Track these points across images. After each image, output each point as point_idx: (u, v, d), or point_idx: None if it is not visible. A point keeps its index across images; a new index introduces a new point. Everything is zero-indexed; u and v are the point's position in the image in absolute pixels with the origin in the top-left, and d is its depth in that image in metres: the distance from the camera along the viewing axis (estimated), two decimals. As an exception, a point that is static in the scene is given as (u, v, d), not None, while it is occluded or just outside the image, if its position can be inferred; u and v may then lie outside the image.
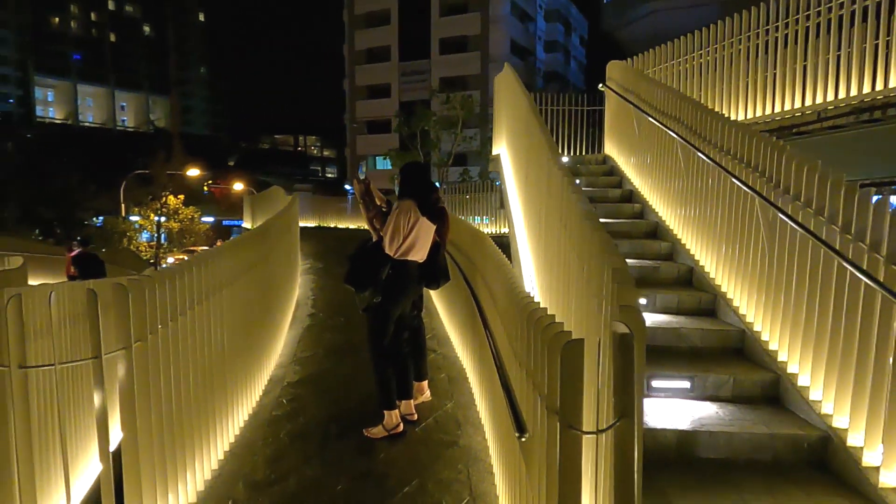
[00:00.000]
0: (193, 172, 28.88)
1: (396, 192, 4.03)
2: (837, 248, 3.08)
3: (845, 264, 2.96)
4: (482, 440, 3.75)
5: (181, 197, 27.27)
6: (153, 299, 2.62)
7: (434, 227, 3.90)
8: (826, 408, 3.17)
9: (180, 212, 26.53)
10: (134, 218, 26.96)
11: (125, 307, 2.42)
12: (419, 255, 3.86)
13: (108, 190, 28.39)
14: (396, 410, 3.84)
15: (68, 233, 25.75)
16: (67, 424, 3.03)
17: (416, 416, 4.00)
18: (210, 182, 42.56)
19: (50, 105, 66.95)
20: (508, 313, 2.75)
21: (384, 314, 3.82)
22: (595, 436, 1.78)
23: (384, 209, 4.07)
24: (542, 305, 2.26)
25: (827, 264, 3.20)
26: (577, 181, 7.14)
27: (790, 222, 3.46)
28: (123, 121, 72.15)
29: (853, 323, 2.96)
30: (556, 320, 2.02)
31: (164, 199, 26.11)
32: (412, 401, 4.02)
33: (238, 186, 32.12)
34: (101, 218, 30.67)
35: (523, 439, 1.88)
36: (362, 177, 4.06)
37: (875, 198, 2.97)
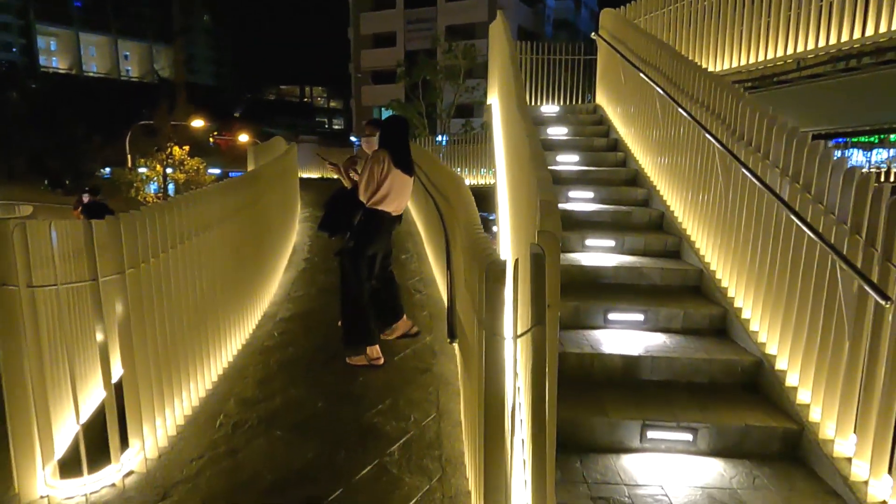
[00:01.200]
0: (198, 123, 28.88)
1: (364, 143, 4.21)
2: (783, 196, 3.29)
3: (789, 213, 3.17)
4: (454, 368, 4.10)
5: (186, 148, 27.40)
6: (144, 231, 2.92)
7: (410, 179, 4.09)
8: (762, 337, 3.46)
9: (186, 163, 26.73)
10: (141, 170, 27.22)
11: (118, 237, 2.72)
12: (393, 205, 4.04)
13: (113, 141, 28.52)
14: (377, 346, 4.16)
15: (77, 184, 26.11)
16: (74, 346, 3.38)
17: (416, 329, 4.31)
18: (215, 133, 42.51)
19: (53, 55, 66.26)
20: (465, 247, 3.02)
21: (356, 258, 4.02)
22: (514, 340, 2.07)
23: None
24: (505, 242, 2.53)
25: (772, 210, 3.42)
26: (565, 129, 7.30)
27: (743, 169, 3.66)
28: (128, 70, 71.44)
29: (794, 266, 3.19)
30: (512, 254, 2.29)
31: (169, 150, 26.29)
32: (404, 316, 4.33)
33: (243, 138, 32.11)
34: (108, 169, 30.98)
35: (453, 344, 2.18)
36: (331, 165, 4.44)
37: (838, 154, 3.15)
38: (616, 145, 6.86)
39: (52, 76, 58.73)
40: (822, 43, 5.70)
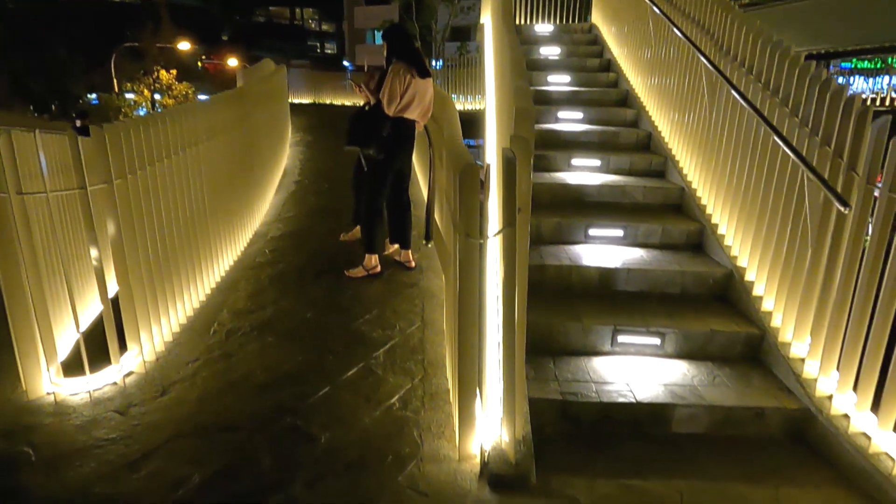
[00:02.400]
0: (185, 46, 27.89)
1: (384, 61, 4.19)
2: (762, 110, 3.32)
3: (767, 127, 3.21)
4: (440, 283, 4.24)
5: (174, 72, 26.62)
6: (129, 142, 2.96)
7: (430, 81, 4.12)
8: (735, 251, 3.59)
9: (174, 87, 26.05)
10: (129, 95, 26.54)
11: (103, 146, 2.77)
12: (416, 112, 4.09)
13: (97, 64, 27.61)
14: (377, 255, 4.32)
15: (63, 109, 25.50)
16: (69, 256, 3.50)
17: (413, 264, 4.46)
18: (203, 57, 41.11)
19: (29, -29, 62.91)
20: (446, 162, 3.08)
21: (384, 169, 4.13)
22: (485, 241, 2.17)
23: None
24: (488, 157, 2.59)
25: (751, 127, 3.45)
26: (559, 49, 7.14)
27: (727, 84, 3.66)
28: (109, -10, 68.09)
29: (767, 181, 3.26)
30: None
31: (156, 73, 25.54)
32: (409, 251, 4.48)
33: (232, 62, 31.12)
34: (94, 95, 30.15)
35: (429, 245, 2.28)
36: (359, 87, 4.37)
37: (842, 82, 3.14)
38: (609, 66, 6.75)
39: (30, -4, 55.85)
40: (822, -44, 5.52)
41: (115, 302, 3.04)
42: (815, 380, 2.73)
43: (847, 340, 2.55)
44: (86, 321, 3.61)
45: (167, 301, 3.44)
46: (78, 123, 9.06)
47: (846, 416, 2.56)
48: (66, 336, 3.30)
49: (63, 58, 28.50)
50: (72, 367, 3.01)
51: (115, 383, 2.98)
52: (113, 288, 3.15)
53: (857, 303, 2.50)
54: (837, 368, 2.64)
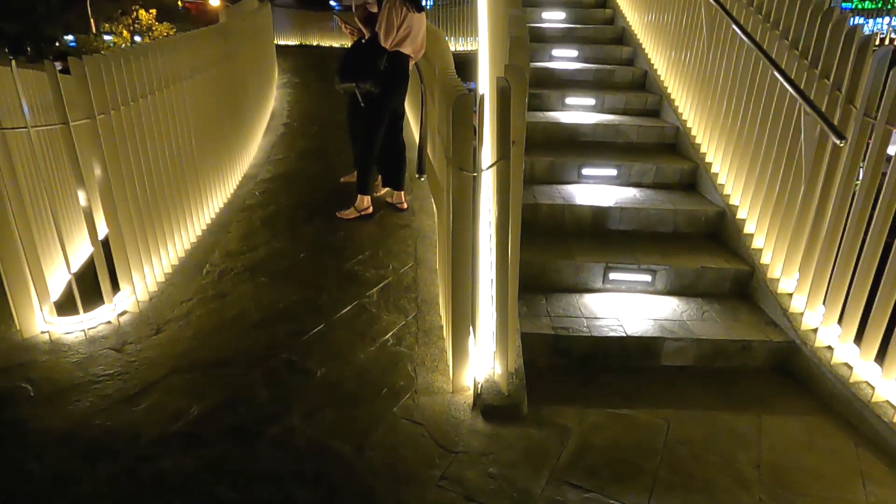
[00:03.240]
0: (163, -16, 26.74)
1: None
2: (761, 44, 3.24)
3: (765, 60, 3.14)
4: (432, 224, 4.23)
5: (153, 12, 25.61)
6: (111, 76, 2.85)
7: (423, 17, 3.99)
8: (728, 189, 3.59)
9: (154, 28, 25.11)
10: (107, 37, 25.58)
11: (84, 81, 2.67)
12: (411, 46, 3.98)
13: (73, 4, 26.46)
14: (369, 196, 4.28)
15: (38, 51, 24.56)
16: (57, 196, 3.44)
17: (405, 206, 4.42)
18: (184, -4, 39.47)
19: None
20: (438, 95, 3.01)
21: (381, 107, 4.03)
22: (479, 175, 2.15)
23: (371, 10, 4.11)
24: (482, 91, 2.52)
25: (749, 62, 3.37)
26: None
27: (727, 17, 3.56)
28: (79, -77, 64.49)
29: (763, 117, 3.21)
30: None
31: (134, 14, 24.55)
32: (402, 192, 4.42)
33: (214, 2, 29.91)
34: (72, 37, 29.02)
35: (422, 179, 2.26)
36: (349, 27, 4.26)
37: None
38: (605, 2, 6.54)
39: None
40: None
41: (105, 243, 3.01)
42: (802, 314, 2.79)
43: (835, 275, 2.59)
44: (77, 262, 3.59)
45: (158, 242, 3.41)
46: (59, 66, 8.70)
47: (830, 348, 2.62)
48: (58, 276, 3.29)
49: (35, -4, 27.23)
50: (65, 306, 3.01)
51: (109, 322, 2.99)
52: (103, 229, 3.12)
53: (846, 238, 2.52)
54: (824, 303, 2.68)
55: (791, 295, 2.90)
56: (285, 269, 3.57)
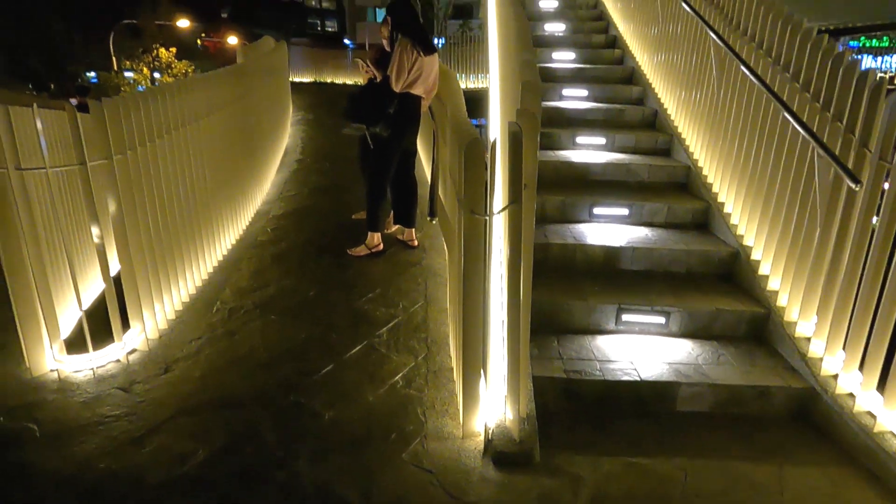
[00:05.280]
0: (184, 24, 27.56)
1: (384, 37, 4.11)
2: (772, 86, 3.26)
3: (776, 102, 3.15)
4: (443, 262, 4.22)
5: (173, 50, 26.35)
6: (129, 118, 2.91)
7: (435, 58, 4.06)
8: (741, 230, 3.56)
9: (174, 66, 25.80)
10: (128, 73, 26.31)
11: (103, 122, 2.72)
12: (422, 87, 4.04)
13: (96, 42, 27.33)
14: (379, 234, 4.30)
15: (61, 87, 25.27)
16: (70, 234, 3.47)
17: (416, 243, 4.43)
18: (203, 35, 40.70)
19: (24, -53, 61.96)
20: (450, 136, 3.03)
21: (392, 147, 4.08)
22: (490, 218, 2.14)
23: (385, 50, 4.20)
24: (493, 132, 2.54)
25: (760, 103, 3.39)
26: (563, 25, 7.03)
27: (736, 60, 3.59)
28: (105, -34, 67.14)
29: (776, 158, 3.20)
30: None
31: (155, 52, 25.28)
32: (413, 229, 4.45)
33: (232, 40, 30.77)
34: (94, 73, 29.89)
35: (433, 222, 2.25)
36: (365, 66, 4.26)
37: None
38: (615, 42, 6.64)
39: (25, -30, 55.12)
40: (835, -71, 5.39)
41: (117, 280, 3.03)
42: (821, 359, 2.72)
43: (854, 320, 2.53)
44: (88, 299, 3.60)
45: (169, 279, 3.42)
46: (76, 101, 8.87)
47: (851, 396, 2.55)
48: (69, 313, 3.29)
49: (61, 35, 28.20)
50: (75, 344, 3.01)
51: (118, 360, 2.98)
52: (115, 266, 3.13)
53: (865, 282, 2.48)
54: (844, 348, 2.62)
55: (809, 339, 2.83)
56: (295, 307, 3.56)
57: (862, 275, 2.50)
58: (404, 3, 4.21)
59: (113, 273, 3.08)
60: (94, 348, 2.96)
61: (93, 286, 3.77)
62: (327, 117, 10.19)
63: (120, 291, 3.03)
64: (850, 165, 2.55)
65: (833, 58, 2.76)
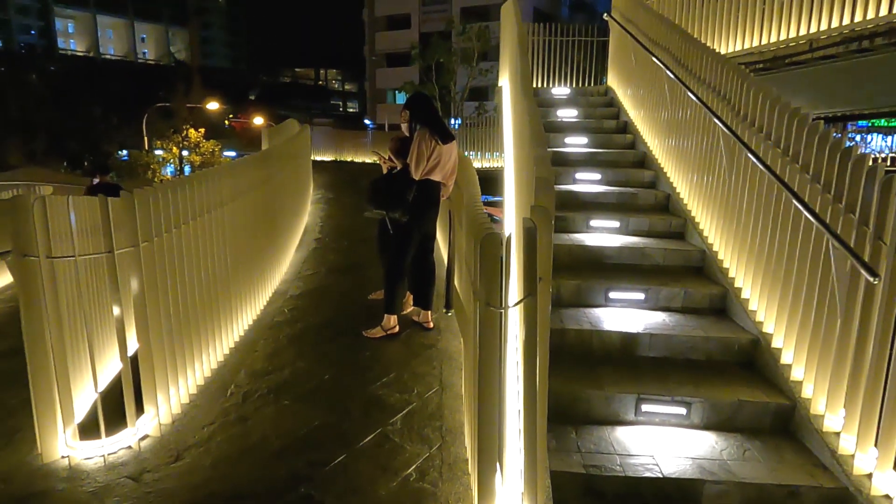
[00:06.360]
0: (213, 106, 29.05)
1: (404, 126, 4.32)
2: (783, 177, 3.32)
3: (788, 194, 3.20)
4: (458, 345, 4.20)
5: (202, 130, 27.62)
6: (157, 207, 3.04)
7: (454, 145, 4.23)
8: (760, 316, 3.51)
9: (201, 145, 26.97)
10: (158, 151, 27.55)
11: (132, 211, 2.84)
12: (440, 174, 4.20)
13: (130, 123, 28.88)
14: (395, 316, 4.32)
15: (95, 165, 26.47)
16: (92, 317, 3.53)
17: (432, 325, 4.44)
18: (231, 116, 42.81)
19: (71, 37, 66.68)
20: (466, 228, 3.10)
21: (411, 231, 4.20)
22: (506, 311, 2.15)
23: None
24: (509, 221, 2.60)
25: (772, 192, 3.44)
26: (575, 112, 7.29)
27: (746, 151, 3.68)
28: (144, 53, 71.73)
29: (791, 246, 3.21)
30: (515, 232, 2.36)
31: (185, 132, 26.53)
32: (430, 311, 4.47)
33: (258, 121, 32.28)
34: (125, 151, 31.37)
35: (449, 314, 2.27)
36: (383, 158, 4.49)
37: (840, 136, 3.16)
38: (625, 127, 6.86)
39: (70, 58, 59.23)
40: (834, 23, 5.63)
41: (134, 359, 3.05)
42: (853, 456, 2.60)
43: (885, 415, 2.44)
44: (105, 380, 3.61)
45: (185, 362, 3.44)
46: (98, 179, 8.59)
47: (888, 498, 2.42)
48: (85, 395, 3.30)
49: (97, 116, 29.87)
50: (88, 429, 2.99)
51: (129, 447, 2.95)
52: (132, 347, 3.17)
53: (892, 375, 2.41)
54: (876, 445, 2.51)
55: (838, 434, 2.73)
56: (309, 392, 3.53)
57: (889, 369, 2.44)
58: (423, 96, 4.44)
59: (130, 353, 3.11)
60: (108, 433, 2.94)
61: (110, 365, 3.80)
62: (346, 196, 10.48)
63: (136, 373, 3.04)
64: (866, 258, 2.55)
65: (841, 151, 2.82)
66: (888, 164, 16.09)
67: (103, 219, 2.78)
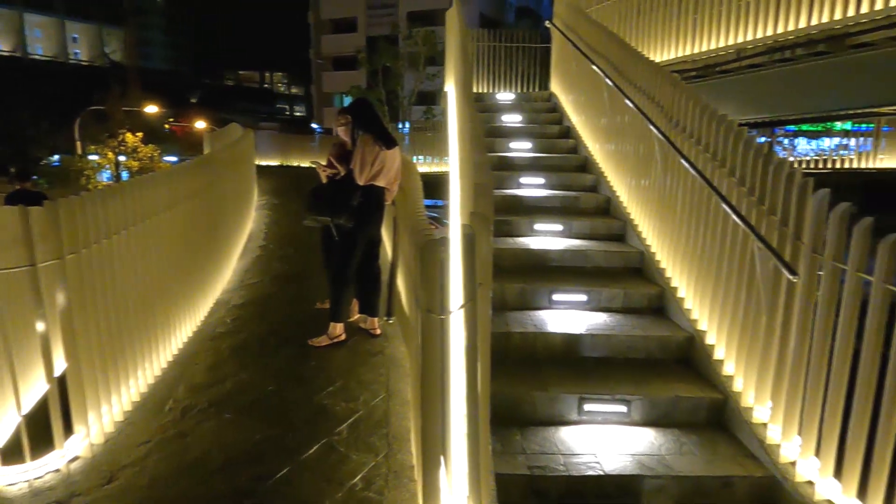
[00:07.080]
0: (152, 109, 28.03)
1: (340, 131, 4.27)
2: (711, 180, 3.47)
3: (717, 197, 3.35)
4: (405, 351, 4.18)
5: (140, 135, 26.53)
6: (85, 216, 2.90)
7: (397, 151, 4.20)
8: (694, 314, 3.66)
9: (139, 150, 25.91)
10: (92, 157, 26.30)
11: (56, 221, 2.70)
12: (385, 179, 4.16)
13: (61, 127, 27.49)
14: (342, 323, 4.26)
15: (23, 171, 25.05)
16: (13, 335, 3.34)
17: (378, 331, 4.39)
18: (171, 120, 41.32)
19: (-6, 36, 63.05)
20: (409, 235, 3.10)
21: (356, 238, 4.13)
22: (447, 316, 2.16)
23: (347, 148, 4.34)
24: (454, 225, 2.61)
25: (703, 195, 3.59)
26: (520, 117, 7.39)
27: (677, 155, 3.83)
28: (76, 53, 68.52)
29: (721, 247, 3.37)
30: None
31: (121, 136, 25.43)
32: (376, 318, 4.41)
33: (200, 125, 31.34)
34: (56, 157, 29.83)
35: (390, 322, 2.26)
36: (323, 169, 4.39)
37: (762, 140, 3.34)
38: (568, 132, 7.02)
39: (-7, 58, 55.89)
40: (759, 34, 5.94)
41: (61, 380, 2.90)
42: (779, 445, 2.75)
43: (806, 405, 2.59)
44: (30, 401, 3.41)
45: (119, 378, 3.29)
46: (19, 186, 7.92)
47: (811, 483, 2.56)
48: (7, 418, 3.11)
49: (25, 120, 28.31)
50: (12, 453, 2.82)
51: (58, 470, 2.80)
52: (60, 365, 3.01)
53: (811, 368, 2.55)
54: (799, 433, 2.66)
55: (766, 425, 2.87)
56: (252, 404, 3.45)
57: (808, 360, 2.59)
58: (365, 102, 4.41)
59: (58, 373, 2.95)
60: (33, 457, 2.78)
61: (35, 387, 3.59)
62: (292, 202, 10.29)
63: (64, 392, 2.89)
64: (787, 257, 2.70)
65: (764, 156, 2.97)
66: (813, 166, 17.05)
67: (24, 230, 2.63)
